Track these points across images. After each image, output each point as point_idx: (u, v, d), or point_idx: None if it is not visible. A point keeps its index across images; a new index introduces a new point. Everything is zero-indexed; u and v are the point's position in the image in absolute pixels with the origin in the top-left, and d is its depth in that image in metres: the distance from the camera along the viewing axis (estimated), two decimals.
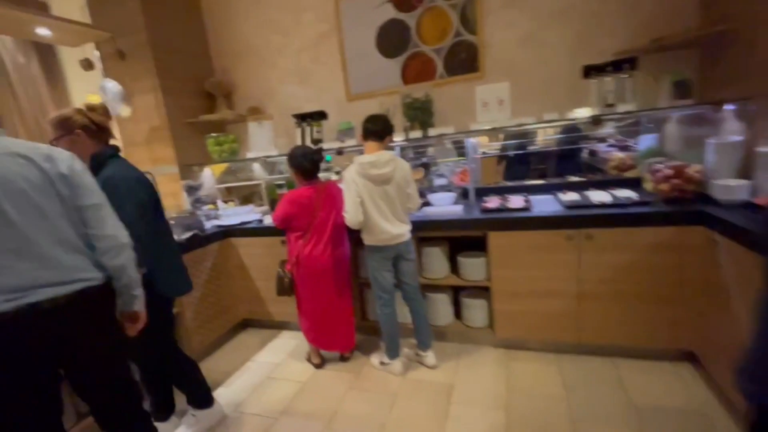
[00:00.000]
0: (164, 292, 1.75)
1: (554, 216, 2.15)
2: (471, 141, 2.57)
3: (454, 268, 2.55)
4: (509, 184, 2.97)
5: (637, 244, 2.03)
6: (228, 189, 3.59)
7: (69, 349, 1.27)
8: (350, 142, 2.79)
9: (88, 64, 2.95)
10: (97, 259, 1.31)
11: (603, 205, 2.17)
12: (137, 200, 1.58)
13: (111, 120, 1.54)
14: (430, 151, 3.21)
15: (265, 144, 3.16)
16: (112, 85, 2.71)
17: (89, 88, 3.29)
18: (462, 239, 2.50)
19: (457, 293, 2.62)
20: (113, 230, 1.35)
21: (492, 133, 2.29)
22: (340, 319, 2.39)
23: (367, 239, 2.16)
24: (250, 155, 3.07)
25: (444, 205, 2.59)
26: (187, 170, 3.26)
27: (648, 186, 2.35)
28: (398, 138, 2.59)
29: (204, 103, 3.45)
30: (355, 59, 3.06)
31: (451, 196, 2.64)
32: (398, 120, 2.71)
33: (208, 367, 2.66)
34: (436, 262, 2.47)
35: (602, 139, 3.21)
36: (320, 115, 2.99)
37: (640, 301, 2.08)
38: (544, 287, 2.23)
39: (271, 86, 3.40)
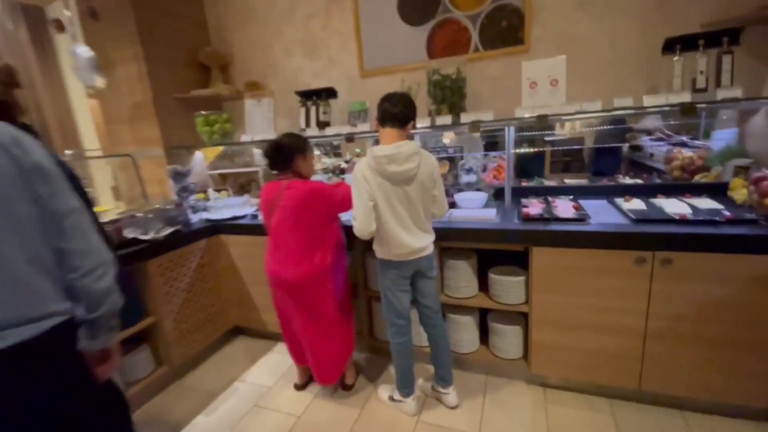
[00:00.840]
0: None
1: (620, 232, 1.67)
2: (511, 130, 2.07)
3: (483, 285, 2.09)
4: (551, 183, 2.48)
5: (734, 275, 1.54)
6: (222, 176, 3.16)
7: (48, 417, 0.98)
8: (363, 127, 2.32)
9: (58, 26, 2.51)
10: (70, 284, 1.01)
11: (685, 221, 1.67)
12: None
13: (17, 88, 1.09)
14: (449, 139, 2.73)
15: (264, 125, 2.71)
16: (83, 50, 2.27)
17: None
18: (495, 250, 2.04)
19: (483, 315, 2.17)
20: (98, 243, 1.05)
21: (540, 121, 1.80)
22: (317, 352, 1.93)
23: (380, 252, 1.71)
24: (245, 138, 2.62)
25: (473, 208, 2.13)
26: (175, 153, 2.84)
27: (739, 196, 1.84)
28: (421, 124, 2.10)
29: (197, 76, 3.00)
30: (372, 27, 2.56)
31: (482, 196, 2.16)
32: (421, 102, 2.22)
33: (190, 385, 2.30)
34: (463, 279, 2.02)
35: (648, 132, 2.71)
36: (329, 93, 2.52)
37: (730, 347, 1.61)
38: (599, 319, 1.77)
39: (275, 58, 2.93)
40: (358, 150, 3.01)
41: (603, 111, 1.83)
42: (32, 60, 3.70)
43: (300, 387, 2.15)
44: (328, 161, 3.33)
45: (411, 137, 1.67)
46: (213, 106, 3.11)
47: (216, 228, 2.53)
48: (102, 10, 2.51)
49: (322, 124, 2.50)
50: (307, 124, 2.53)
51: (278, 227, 1.82)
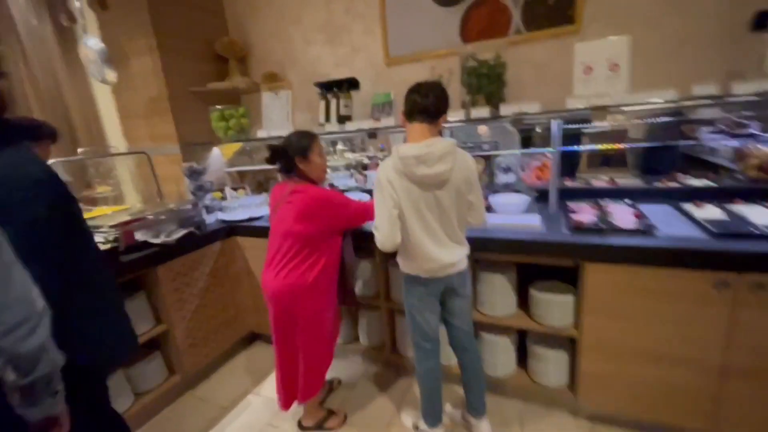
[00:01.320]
0: (92, 362, 1.15)
1: (697, 249, 1.37)
2: (557, 123, 1.78)
3: (523, 302, 1.84)
4: (599, 182, 2.18)
5: None
6: (240, 173, 3.02)
7: None
8: (387, 121, 2.09)
9: (69, 16, 2.41)
10: None
11: None
12: (34, 216, 0.99)
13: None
14: (483, 133, 2.45)
15: (282, 120, 2.53)
16: (93, 43, 2.15)
17: None
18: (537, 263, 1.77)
19: (522, 336, 1.92)
20: (23, 291, 0.80)
21: (598, 113, 1.52)
22: (282, 370, 1.75)
23: (405, 267, 1.50)
24: (261, 134, 2.45)
25: (513, 213, 1.86)
26: (191, 150, 2.71)
27: None
28: (453, 117, 1.85)
29: (214, 68, 2.85)
30: (399, 8, 2.31)
31: (522, 200, 1.89)
32: (453, 92, 1.97)
33: (202, 396, 2.18)
34: (499, 295, 1.78)
35: (709, 123, 2.32)
36: (350, 84, 2.31)
37: None
38: (665, 349, 1.49)
39: (293, 47, 2.73)
40: (381, 146, 2.79)
41: (679, 100, 1.52)
42: (57, 55, 3.67)
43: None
44: (351, 156, 3.13)
45: (441, 133, 1.43)
46: (231, 99, 2.96)
47: (232, 229, 2.39)
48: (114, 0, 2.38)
49: (343, 119, 2.29)
50: (327, 119, 2.33)
51: (274, 231, 1.67)
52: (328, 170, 2.96)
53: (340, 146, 2.98)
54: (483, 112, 1.74)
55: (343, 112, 2.29)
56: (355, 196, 2.52)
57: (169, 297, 2.05)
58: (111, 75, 2.20)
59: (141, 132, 2.78)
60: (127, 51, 2.58)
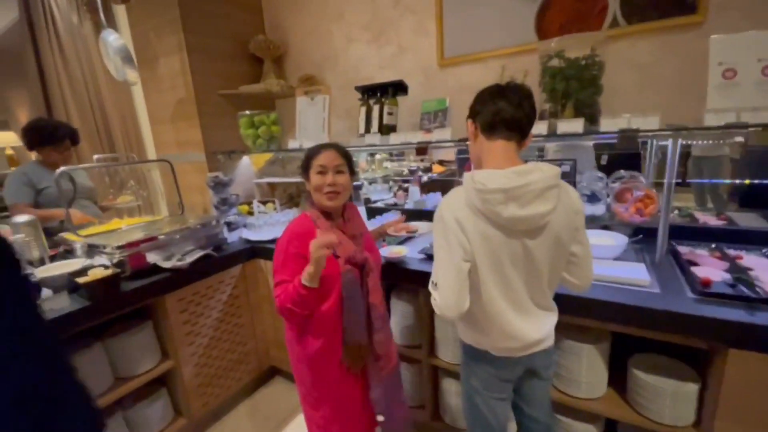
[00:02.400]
0: None
1: None
2: (674, 143, 1.33)
3: (616, 379, 1.38)
4: (710, 220, 1.69)
5: None
6: (271, 185, 2.75)
7: None
8: (441, 134, 1.70)
9: (91, 9, 2.22)
10: None
11: None
12: None
13: None
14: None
15: (317, 128, 2.22)
16: (113, 38, 1.94)
17: None
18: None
19: (611, 426, 1.45)
20: None
21: (761, 134, 1.05)
22: None
23: (469, 337, 1.10)
24: (293, 144, 2.15)
25: (604, 258, 1.42)
26: (219, 159, 2.47)
27: None
28: (534, 129, 1.41)
29: (247, 70, 2.60)
30: (459, 1, 1.94)
31: (618, 241, 1.45)
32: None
33: None
34: (585, 370, 1.34)
35: None
36: (397, 88, 1.96)
37: None
38: None
39: (334, 46, 2.43)
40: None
41: None
42: (96, 54, 3.62)
43: None
44: (390, 165, 2.78)
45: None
46: (264, 104, 2.71)
47: (254, 251, 2.10)
48: None
49: (387, 129, 1.94)
50: (367, 128, 1.98)
51: None
52: (365, 182, 2.62)
53: (378, 156, 2.64)
54: (575, 125, 1.30)
55: (387, 120, 1.94)
56: (392, 217, 2.16)
57: (178, 330, 1.78)
58: (132, 74, 1.99)
59: (168, 137, 2.58)
60: (157, 50, 2.38)
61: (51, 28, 3.72)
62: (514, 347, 1.02)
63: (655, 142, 1.56)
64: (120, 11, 2.60)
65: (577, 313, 1.26)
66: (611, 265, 1.37)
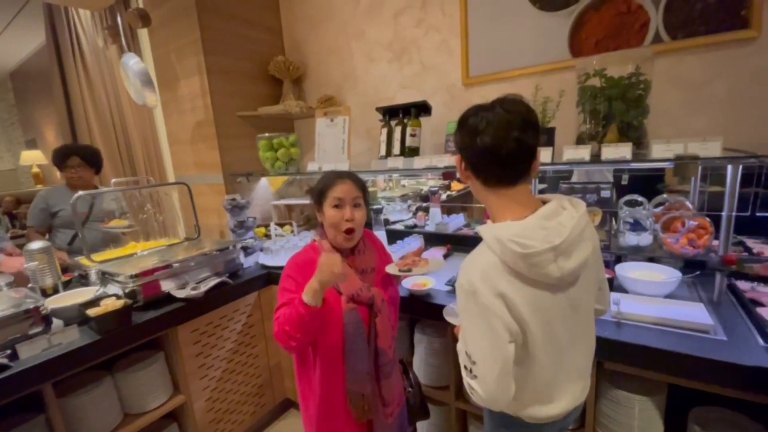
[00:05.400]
0: None
1: None
2: (734, 168, 1.19)
3: None
4: (756, 244, 1.52)
5: None
6: (288, 207, 2.69)
7: None
8: None
9: (112, 33, 2.23)
10: None
11: None
12: None
13: None
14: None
15: (337, 150, 2.16)
16: (134, 62, 1.93)
17: None
18: None
19: None
20: None
21: None
22: None
23: (507, 406, 0.91)
24: (311, 167, 2.08)
25: (655, 295, 1.27)
26: (236, 181, 2.42)
27: None
28: (576, 153, 1.30)
29: (266, 91, 2.57)
30: (485, 17, 1.86)
31: (671, 276, 1.30)
32: (565, 119, 1.46)
33: None
34: (639, 424, 1.18)
35: None
36: (420, 109, 1.88)
37: None
38: None
39: (354, 66, 2.38)
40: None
41: None
42: (120, 77, 3.68)
43: None
44: (407, 184, 2.69)
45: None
46: (283, 126, 2.67)
47: (270, 277, 2.01)
48: (164, 15, 2.18)
49: (410, 151, 1.85)
50: (389, 151, 1.90)
51: None
52: (383, 202, 2.53)
53: (396, 174, 2.56)
54: (622, 151, 1.17)
55: (409, 143, 1.86)
56: (414, 242, 2.06)
57: (190, 363, 1.69)
58: (152, 98, 1.97)
59: (187, 158, 2.56)
60: (177, 71, 2.37)
61: (77, 52, 3.84)
62: (555, 414, 0.88)
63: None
64: (143, 34, 2.62)
65: (631, 362, 1.11)
66: (664, 304, 1.23)
